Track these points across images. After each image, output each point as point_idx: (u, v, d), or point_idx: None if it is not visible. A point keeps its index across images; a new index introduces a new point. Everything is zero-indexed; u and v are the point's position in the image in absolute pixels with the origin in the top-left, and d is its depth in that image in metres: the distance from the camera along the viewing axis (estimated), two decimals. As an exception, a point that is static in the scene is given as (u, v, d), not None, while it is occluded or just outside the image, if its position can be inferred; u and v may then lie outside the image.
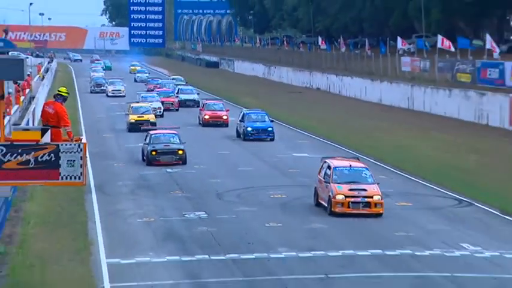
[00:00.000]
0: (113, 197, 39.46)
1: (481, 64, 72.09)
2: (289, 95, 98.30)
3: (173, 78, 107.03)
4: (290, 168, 47.03)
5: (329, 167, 36.01)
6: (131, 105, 65.13)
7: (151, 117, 62.73)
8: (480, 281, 26.35)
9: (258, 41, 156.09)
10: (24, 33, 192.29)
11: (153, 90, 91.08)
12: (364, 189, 34.26)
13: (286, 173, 45.84)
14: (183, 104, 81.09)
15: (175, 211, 35.91)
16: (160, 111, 71.83)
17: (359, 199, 34.01)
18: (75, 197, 37.41)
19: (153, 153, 45.48)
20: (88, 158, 27.97)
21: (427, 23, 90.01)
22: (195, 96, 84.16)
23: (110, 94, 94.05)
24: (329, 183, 34.79)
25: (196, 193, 39.65)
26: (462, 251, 29.59)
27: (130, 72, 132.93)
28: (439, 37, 79.93)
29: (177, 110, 79.37)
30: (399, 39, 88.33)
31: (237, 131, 58.74)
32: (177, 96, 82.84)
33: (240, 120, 58.12)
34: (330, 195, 34.43)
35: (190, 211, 35.91)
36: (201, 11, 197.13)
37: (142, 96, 75.62)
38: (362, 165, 37.77)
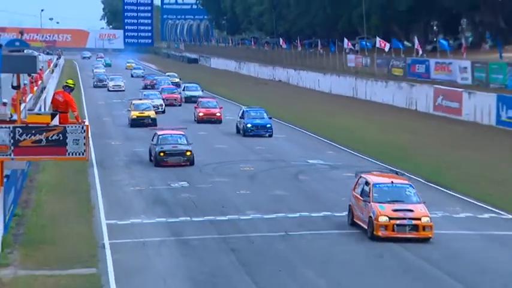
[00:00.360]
0: (111, 170, 39.46)
1: (411, 61, 72.67)
2: (256, 86, 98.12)
3: (168, 75, 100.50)
4: (257, 146, 46.91)
5: (367, 184, 27.66)
6: (133, 102, 59.03)
7: (151, 113, 56.68)
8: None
9: (230, 41, 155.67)
10: (37, 35, 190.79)
11: (151, 86, 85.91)
12: (411, 210, 26.23)
13: (255, 150, 45.80)
14: (189, 100, 72.70)
15: (162, 181, 35.96)
16: (162, 108, 65.02)
17: (405, 221, 25.97)
18: (80, 170, 37.44)
19: (161, 154, 39.04)
20: (90, 138, 27.90)
21: (368, 27, 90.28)
22: (199, 93, 75.47)
23: (111, 89, 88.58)
24: (369, 203, 26.39)
25: (179, 166, 39.57)
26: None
27: (126, 69, 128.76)
28: (377, 39, 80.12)
29: (180, 105, 72.34)
30: (345, 40, 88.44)
31: (237, 127, 52.95)
32: (180, 93, 75.54)
33: (240, 117, 52.34)
34: (370, 216, 25.98)
35: (175, 181, 35.99)
36: (183, 17, 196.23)
37: (144, 94, 68.87)
38: (405, 181, 28.67)
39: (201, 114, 58.70)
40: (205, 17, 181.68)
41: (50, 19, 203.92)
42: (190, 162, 39.55)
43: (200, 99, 64.02)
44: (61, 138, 24.57)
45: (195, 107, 60.86)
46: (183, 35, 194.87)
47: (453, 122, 56.00)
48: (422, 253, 24.61)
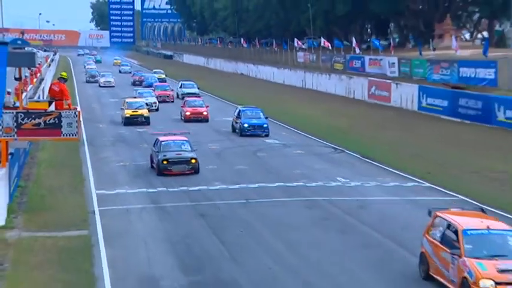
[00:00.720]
0: (99, 148, 39.13)
1: (349, 57, 72.58)
2: (221, 78, 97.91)
3: (155, 72, 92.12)
4: (223, 128, 46.71)
5: (449, 227, 17.55)
6: (126, 100, 50.83)
7: (145, 111, 48.81)
8: (348, 202, 26.78)
9: (199, 40, 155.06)
10: (36, 35, 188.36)
11: (139, 82, 79.51)
12: None
13: (220, 132, 45.69)
14: (186, 96, 60.27)
15: (143, 158, 35.56)
16: (156, 106, 56.90)
17: None
18: (73, 148, 37.10)
19: (164, 162, 30.96)
20: (81, 122, 27.75)
21: (314, 29, 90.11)
22: (195, 90, 66.22)
23: (101, 85, 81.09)
24: (459, 257, 16.34)
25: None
26: (337, 182, 29.93)
27: (113, 65, 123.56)
28: (322, 39, 79.87)
29: (172, 101, 63.26)
30: (296, 40, 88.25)
31: (233, 126, 45.24)
32: (172, 90, 66.98)
33: (237, 117, 44.49)
34: (465, 278, 15.90)
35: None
36: (160, 20, 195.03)
37: (139, 92, 60.32)
38: (504, 226, 17.79)
39: (187, 113, 50.70)
40: (179, 20, 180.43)
41: (46, 21, 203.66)
42: (195, 170, 31.40)
43: (187, 98, 55.18)
44: (57, 121, 24.74)
45: (182, 106, 52.62)
46: (160, 35, 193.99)
47: (383, 108, 56.29)
48: (360, 215, 24.77)
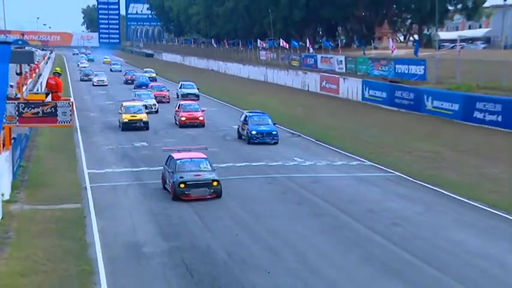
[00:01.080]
0: (90, 134, 38.71)
1: (304, 56, 72.49)
2: (195, 73, 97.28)
3: (145, 71, 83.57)
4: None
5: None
6: (124, 104, 41.95)
7: (143, 116, 40.14)
8: (304, 178, 26.76)
9: (176, 41, 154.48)
10: (34, 36, 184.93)
11: (131, 81, 72.45)
12: None
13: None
14: (186, 97, 55.10)
15: (128, 142, 35.47)
16: (155, 108, 47.97)
17: None
18: (68, 133, 36.69)
19: (182, 185, 23.10)
20: (75, 111, 27.46)
21: (274, 32, 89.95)
22: (195, 91, 57.85)
23: (95, 84, 73.56)
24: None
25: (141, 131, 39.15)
26: (294, 162, 30.00)
27: (103, 63, 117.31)
28: (281, 40, 80.00)
29: (168, 102, 54.04)
30: (259, 41, 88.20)
31: (239, 132, 36.98)
32: (168, 90, 57.71)
33: (243, 122, 36.38)
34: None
35: (137, 142, 35.51)
36: (142, 23, 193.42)
37: (136, 94, 50.96)
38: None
39: (183, 118, 41.15)
40: (158, 23, 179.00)
41: (43, 24, 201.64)
42: (218, 194, 23.49)
43: (181, 102, 44.59)
44: (53, 111, 24.63)
45: (176, 111, 42.69)
46: (142, 36, 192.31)
47: (333, 99, 56.36)
48: (313, 189, 24.82)
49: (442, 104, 42.17)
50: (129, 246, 18.41)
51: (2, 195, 21.51)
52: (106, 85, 72.87)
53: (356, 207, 22.27)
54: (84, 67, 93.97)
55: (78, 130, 39.01)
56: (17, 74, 26.33)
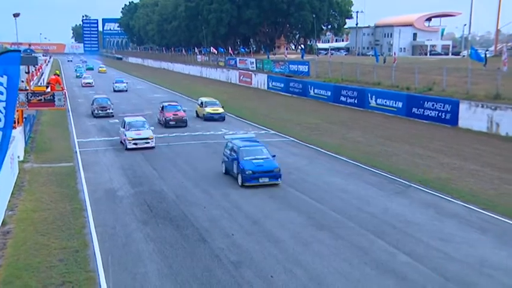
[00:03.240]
0: (79, 114, 37.42)
1: (227, 58, 72.23)
2: (151, 71, 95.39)
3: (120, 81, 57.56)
4: (153, 100, 44.92)
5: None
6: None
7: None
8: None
9: (138, 48, 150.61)
10: (38, 46, 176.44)
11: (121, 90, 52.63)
12: None
13: (151, 102, 44.28)
14: (209, 118, 33.63)
15: (105, 120, 34.53)
16: (152, 142, 25.09)
17: None
18: (62, 114, 35.48)
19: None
20: (67, 98, 26.58)
21: (207, 42, 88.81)
22: (221, 110, 34.36)
23: (83, 85, 59.49)
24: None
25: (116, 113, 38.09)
26: (221, 132, 29.30)
27: (99, 72, 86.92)
28: (212, 48, 79.34)
29: (185, 125, 31.38)
30: (196, 48, 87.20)
31: (225, 162, 19.42)
32: (185, 110, 33.27)
33: (231, 152, 18.87)
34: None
35: (112, 120, 34.70)
36: (114, 36, 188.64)
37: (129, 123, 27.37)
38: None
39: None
40: (125, 36, 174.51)
41: (44, 38, 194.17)
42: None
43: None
44: (52, 98, 24.21)
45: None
46: (114, 45, 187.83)
47: (248, 88, 56.48)
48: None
49: (320, 92, 42.99)
50: (108, 191, 18.07)
51: (18, 157, 20.98)
52: (92, 86, 59.91)
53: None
54: (89, 83, 59.67)
55: (70, 112, 37.81)
56: (26, 72, 25.52)
